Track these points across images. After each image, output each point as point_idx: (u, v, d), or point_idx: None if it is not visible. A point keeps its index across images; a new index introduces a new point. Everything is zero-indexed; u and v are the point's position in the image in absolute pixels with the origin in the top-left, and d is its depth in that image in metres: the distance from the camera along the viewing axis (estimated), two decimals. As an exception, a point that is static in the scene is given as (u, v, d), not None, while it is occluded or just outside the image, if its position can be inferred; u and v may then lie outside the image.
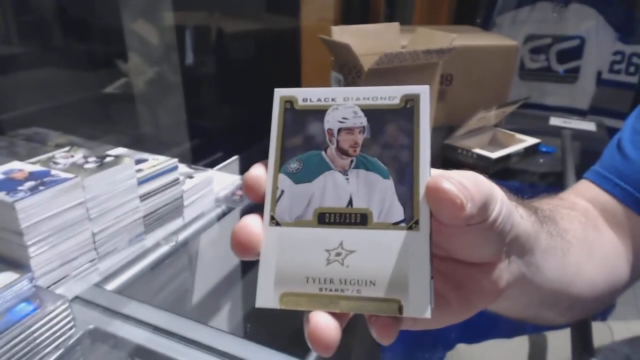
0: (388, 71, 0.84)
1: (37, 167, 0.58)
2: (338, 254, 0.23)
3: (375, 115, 0.24)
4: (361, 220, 0.23)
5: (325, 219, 0.23)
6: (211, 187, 0.79)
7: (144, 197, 0.65)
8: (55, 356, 0.50)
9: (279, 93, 0.25)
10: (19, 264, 0.52)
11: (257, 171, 0.24)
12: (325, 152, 0.24)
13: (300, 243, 0.23)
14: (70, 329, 0.52)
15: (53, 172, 0.56)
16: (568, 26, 1.90)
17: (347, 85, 0.92)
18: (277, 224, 0.23)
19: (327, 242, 0.23)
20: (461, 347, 0.68)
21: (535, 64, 1.99)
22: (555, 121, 1.29)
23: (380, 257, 0.22)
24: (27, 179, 0.55)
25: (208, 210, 0.79)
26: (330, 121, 0.24)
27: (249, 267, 0.81)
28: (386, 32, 0.97)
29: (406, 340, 0.94)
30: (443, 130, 1.09)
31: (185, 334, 0.52)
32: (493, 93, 1.11)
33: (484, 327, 0.72)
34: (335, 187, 0.23)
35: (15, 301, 0.50)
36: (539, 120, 1.31)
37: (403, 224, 0.22)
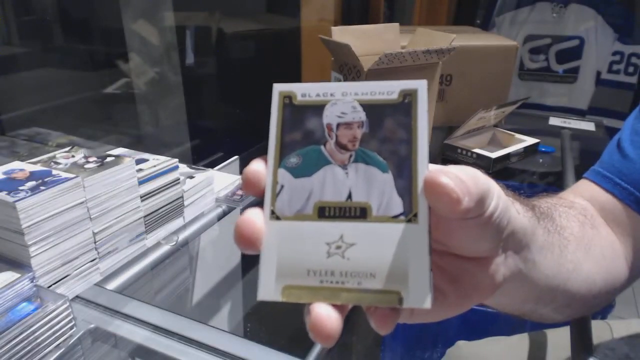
0: (388, 71, 0.84)
1: (38, 167, 0.58)
2: (338, 247, 0.23)
3: (373, 110, 0.24)
4: (361, 213, 0.23)
5: (325, 212, 0.23)
6: (211, 187, 0.79)
7: (144, 197, 0.65)
8: (55, 355, 0.50)
9: (278, 88, 0.25)
10: (19, 264, 0.53)
11: (257, 166, 0.24)
12: (325, 146, 0.24)
13: (300, 236, 0.23)
14: (71, 328, 0.52)
15: (54, 172, 0.57)
16: (567, 26, 1.90)
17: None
18: (277, 218, 0.23)
19: (327, 235, 0.23)
20: (461, 344, 0.68)
21: (535, 64, 1.99)
22: (554, 121, 1.29)
23: (380, 250, 0.22)
24: (28, 179, 0.55)
25: (208, 210, 0.79)
26: (329, 116, 0.24)
27: (249, 267, 0.81)
28: (386, 32, 0.97)
29: (406, 339, 0.94)
30: (443, 130, 1.10)
31: (186, 334, 0.52)
32: (492, 93, 1.11)
33: (484, 325, 0.72)
34: (335, 181, 0.24)
35: (16, 301, 0.50)
36: (538, 120, 1.32)
37: (402, 217, 0.23)
